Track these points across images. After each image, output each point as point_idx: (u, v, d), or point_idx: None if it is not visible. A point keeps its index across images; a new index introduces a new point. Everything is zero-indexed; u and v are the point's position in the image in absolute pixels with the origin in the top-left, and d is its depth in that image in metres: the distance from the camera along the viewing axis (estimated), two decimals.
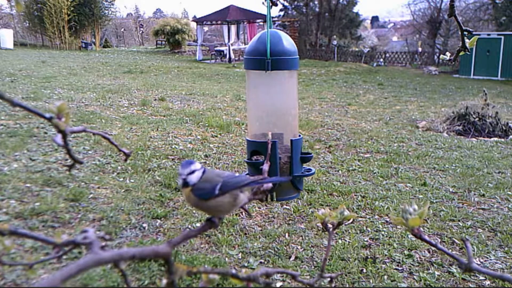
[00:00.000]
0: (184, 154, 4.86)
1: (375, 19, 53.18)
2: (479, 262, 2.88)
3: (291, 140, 1.52)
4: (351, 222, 3.28)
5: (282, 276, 2.54)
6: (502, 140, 6.52)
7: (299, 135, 1.59)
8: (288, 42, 1.48)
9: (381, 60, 23.88)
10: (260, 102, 1.59)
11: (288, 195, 1.61)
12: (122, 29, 38.17)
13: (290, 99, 1.59)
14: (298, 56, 1.51)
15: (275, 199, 1.54)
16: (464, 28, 0.94)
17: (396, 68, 22.13)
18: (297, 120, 1.63)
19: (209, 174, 0.88)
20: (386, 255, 2.92)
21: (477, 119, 6.95)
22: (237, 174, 0.89)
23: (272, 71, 1.44)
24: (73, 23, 24.98)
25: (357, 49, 26.07)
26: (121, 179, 4.00)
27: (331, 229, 0.88)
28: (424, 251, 2.98)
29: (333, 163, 4.93)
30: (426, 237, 0.73)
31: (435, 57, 23.19)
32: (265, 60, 1.41)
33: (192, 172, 0.87)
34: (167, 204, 3.55)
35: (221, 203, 0.85)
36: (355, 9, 30.52)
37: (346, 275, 2.65)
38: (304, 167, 1.62)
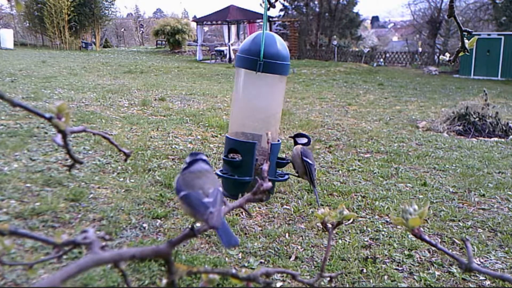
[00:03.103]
0: (184, 154, 4.86)
1: (375, 19, 53.19)
2: (479, 262, 2.88)
3: (271, 144, 1.52)
4: (351, 222, 3.28)
5: (282, 276, 2.54)
6: (502, 140, 6.52)
7: (278, 140, 1.59)
8: (282, 46, 1.48)
9: (381, 60, 23.89)
10: (246, 101, 1.59)
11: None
12: (122, 29, 38.16)
13: (276, 103, 1.59)
14: (289, 62, 1.51)
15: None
16: (463, 28, 0.94)
17: (396, 68, 22.13)
18: (278, 125, 1.63)
19: (191, 174, 0.90)
20: (386, 255, 2.92)
21: (477, 119, 6.95)
22: (215, 191, 0.86)
23: (262, 73, 1.43)
24: (73, 23, 24.99)
25: (357, 49, 26.08)
26: (121, 179, 4.00)
27: (331, 229, 0.88)
28: (424, 251, 2.98)
29: (333, 163, 4.93)
30: (426, 237, 0.74)
31: (435, 57, 23.20)
32: (258, 61, 1.41)
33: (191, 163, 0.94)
34: (167, 204, 3.55)
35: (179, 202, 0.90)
36: (355, 9, 30.56)
37: (346, 275, 2.65)
38: (278, 172, 1.62)
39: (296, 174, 1.76)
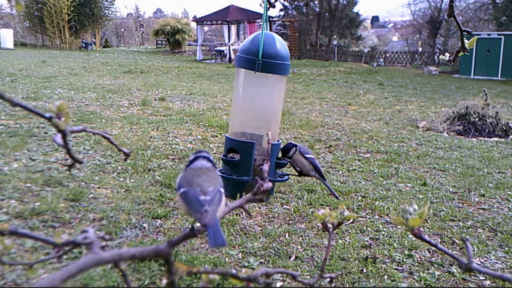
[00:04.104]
0: (184, 154, 4.86)
1: (375, 19, 53.21)
2: (479, 262, 2.88)
3: (271, 144, 1.52)
4: (351, 222, 3.27)
5: (282, 276, 2.54)
6: (502, 140, 6.52)
7: (278, 140, 1.59)
8: (282, 46, 1.47)
9: (381, 60, 23.90)
10: (245, 101, 1.58)
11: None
12: (122, 29, 38.17)
13: (276, 104, 1.58)
14: (289, 62, 1.50)
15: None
16: (463, 28, 0.94)
17: (396, 68, 22.14)
18: (278, 125, 1.63)
19: (192, 172, 0.90)
20: (386, 255, 2.92)
21: (477, 119, 6.95)
22: (213, 189, 0.85)
23: (261, 73, 1.43)
24: (73, 23, 25.00)
25: (357, 49, 26.09)
26: (121, 179, 4.00)
27: (331, 229, 0.88)
28: (424, 251, 2.98)
29: (333, 163, 4.92)
30: (426, 237, 0.74)
31: (435, 57, 23.21)
32: (256, 61, 1.41)
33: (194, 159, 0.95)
34: (167, 204, 3.55)
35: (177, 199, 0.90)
36: (355, 9, 30.58)
37: (346, 275, 2.65)
38: (278, 172, 1.62)
39: (297, 174, 1.76)
